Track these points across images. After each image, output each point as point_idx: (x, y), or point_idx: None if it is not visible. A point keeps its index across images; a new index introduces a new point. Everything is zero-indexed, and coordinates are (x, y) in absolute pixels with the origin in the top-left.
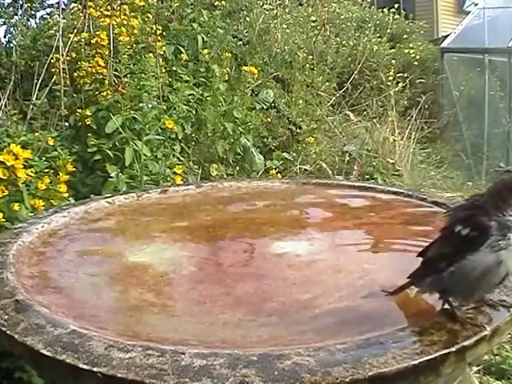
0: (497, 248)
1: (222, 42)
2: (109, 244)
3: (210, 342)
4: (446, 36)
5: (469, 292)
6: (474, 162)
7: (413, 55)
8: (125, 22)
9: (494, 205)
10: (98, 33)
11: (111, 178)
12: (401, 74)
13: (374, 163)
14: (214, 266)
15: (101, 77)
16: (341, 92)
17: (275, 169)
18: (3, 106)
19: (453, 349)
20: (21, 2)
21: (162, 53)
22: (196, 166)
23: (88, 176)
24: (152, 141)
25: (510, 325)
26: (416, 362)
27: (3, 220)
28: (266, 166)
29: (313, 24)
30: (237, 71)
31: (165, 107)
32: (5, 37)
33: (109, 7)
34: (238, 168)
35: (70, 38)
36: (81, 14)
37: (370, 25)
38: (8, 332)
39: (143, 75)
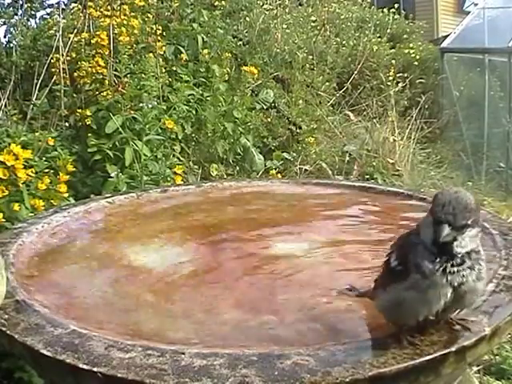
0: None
1: (222, 42)
2: (109, 244)
3: (210, 342)
4: (446, 36)
5: (394, 318)
6: (473, 162)
7: (413, 55)
8: (125, 22)
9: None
10: (98, 33)
11: (111, 177)
12: (401, 74)
13: (374, 163)
14: (214, 266)
15: (101, 77)
16: (341, 92)
17: (275, 169)
18: (3, 106)
19: (453, 349)
20: (21, 2)
21: (162, 53)
22: (196, 166)
23: (88, 176)
24: (152, 141)
25: (510, 325)
26: (416, 362)
27: (3, 220)
28: (266, 166)
29: (313, 24)
30: (237, 71)
31: (165, 107)
32: (5, 37)
33: (109, 7)
34: (237, 168)
35: (70, 38)
36: (81, 14)
37: (370, 25)
38: (8, 332)
39: (143, 75)
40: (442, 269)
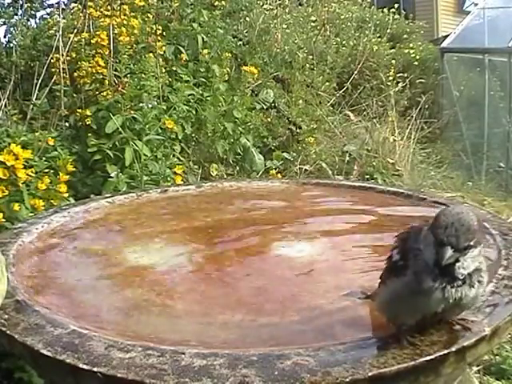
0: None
1: (222, 41)
2: (109, 244)
3: (210, 342)
4: (446, 36)
5: (390, 315)
6: (473, 162)
7: (413, 55)
8: (125, 22)
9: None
10: (98, 33)
11: (111, 177)
12: (401, 74)
13: (374, 163)
14: (214, 266)
15: (101, 77)
16: (341, 92)
17: (275, 169)
18: (3, 106)
19: (453, 349)
20: (21, 2)
21: (162, 53)
22: (196, 166)
23: (88, 176)
24: (152, 141)
25: (509, 325)
26: (416, 362)
27: (3, 220)
28: (266, 165)
29: (313, 24)
30: (237, 71)
31: (165, 107)
32: (5, 37)
33: (109, 7)
34: (237, 168)
35: (70, 37)
36: (81, 14)
37: (370, 25)
38: (8, 332)
39: (143, 75)
40: (441, 287)
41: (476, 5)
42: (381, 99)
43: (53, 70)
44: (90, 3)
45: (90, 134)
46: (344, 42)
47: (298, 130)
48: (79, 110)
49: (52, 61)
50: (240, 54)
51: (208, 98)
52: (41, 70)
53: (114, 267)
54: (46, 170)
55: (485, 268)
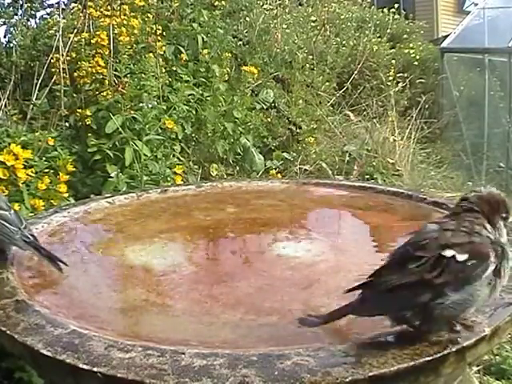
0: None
1: (222, 41)
2: (109, 244)
3: (210, 342)
4: (446, 36)
5: (455, 315)
6: (473, 162)
7: (413, 55)
8: (125, 22)
9: (483, 226)
10: (98, 33)
11: (111, 178)
12: (401, 74)
13: (374, 163)
14: (214, 266)
15: (101, 77)
16: (341, 92)
17: (275, 169)
18: (3, 106)
19: (453, 349)
20: (21, 2)
21: (162, 53)
22: (196, 166)
23: (88, 176)
24: (152, 141)
25: (509, 325)
26: (416, 362)
27: None
28: (266, 165)
29: (313, 24)
30: (237, 71)
31: (165, 107)
32: (5, 37)
33: (109, 7)
34: (237, 168)
35: (70, 37)
36: (81, 14)
37: (370, 25)
38: (8, 332)
39: (143, 75)
40: None
41: (476, 5)
42: (381, 99)
43: (53, 70)
44: (89, 3)
45: (90, 134)
46: (344, 42)
47: (298, 130)
48: (79, 110)
49: (52, 61)
50: (240, 53)
51: (208, 98)
52: (41, 70)
53: (114, 267)
54: (46, 170)
55: None
